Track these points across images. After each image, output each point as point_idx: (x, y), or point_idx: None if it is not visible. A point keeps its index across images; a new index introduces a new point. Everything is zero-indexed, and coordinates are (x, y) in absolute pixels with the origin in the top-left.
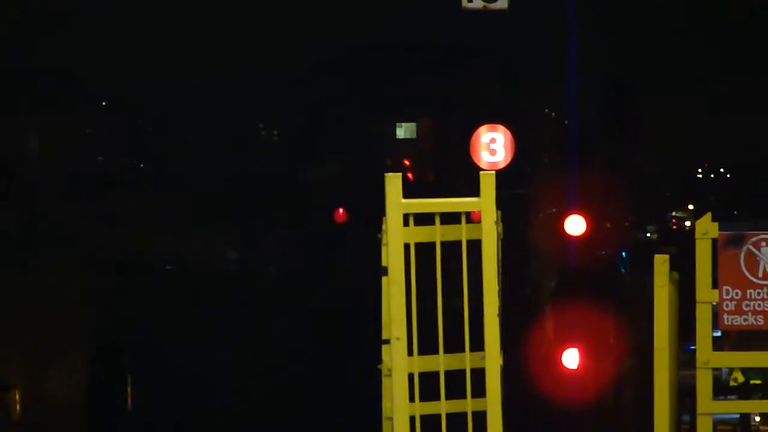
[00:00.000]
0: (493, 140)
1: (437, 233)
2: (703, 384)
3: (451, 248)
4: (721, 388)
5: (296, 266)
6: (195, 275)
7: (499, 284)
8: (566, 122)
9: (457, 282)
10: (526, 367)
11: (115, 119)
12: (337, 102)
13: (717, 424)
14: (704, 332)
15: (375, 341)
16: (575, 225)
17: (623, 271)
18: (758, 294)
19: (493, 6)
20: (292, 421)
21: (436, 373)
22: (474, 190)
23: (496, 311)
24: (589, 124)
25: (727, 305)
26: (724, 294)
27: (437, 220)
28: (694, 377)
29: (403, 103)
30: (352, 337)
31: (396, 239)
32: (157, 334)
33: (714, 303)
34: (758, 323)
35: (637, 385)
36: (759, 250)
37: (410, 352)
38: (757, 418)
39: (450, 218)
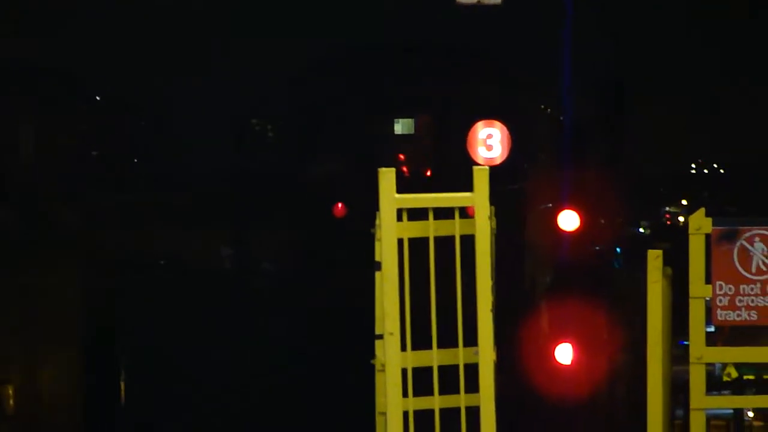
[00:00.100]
0: (489, 136)
1: (430, 228)
2: (697, 379)
3: (444, 243)
4: (715, 384)
5: (296, 266)
6: (194, 275)
7: (492, 279)
8: (561, 119)
9: (451, 277)
10: (519, 363)
11: (115, 119)
12: (337, 102)
13: (710, 419)
14: (697, 327)
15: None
16: (569, 220)
17: (617, 266)
18: (752, 289)
19: (486, 0)
20: (292, 421)
21: (430, 369)
22: (471, 186)
23: (490, 306)
24: (584, 121)
25: (720, 300)
26: (717, 289)
27: (430, 215)
28: (687, 372)
29: (402, 102)
30: (352, 337)
31: (389, 234)
32: (157, 334)
33: (707, 298)
34: (752, 318)
35: (631, 380)
36: (752, 246)
37: (403, 348)
38: (751, 414)
39: (445, 213)
